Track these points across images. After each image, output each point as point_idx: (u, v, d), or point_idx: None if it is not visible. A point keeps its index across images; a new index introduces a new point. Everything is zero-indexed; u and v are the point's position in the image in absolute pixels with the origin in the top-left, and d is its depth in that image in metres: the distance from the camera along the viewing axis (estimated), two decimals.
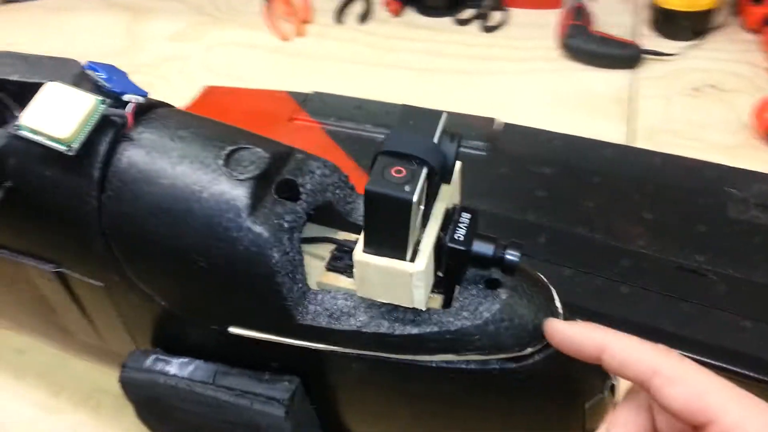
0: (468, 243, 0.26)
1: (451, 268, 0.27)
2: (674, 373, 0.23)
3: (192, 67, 0.83)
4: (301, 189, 0.28)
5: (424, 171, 0.24)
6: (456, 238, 0.26)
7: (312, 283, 0.29)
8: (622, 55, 0.73)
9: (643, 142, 0.64)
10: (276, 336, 0.28)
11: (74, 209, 0.27)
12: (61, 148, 0.26)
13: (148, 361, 0.30)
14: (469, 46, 0.81)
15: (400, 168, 0.23)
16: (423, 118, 0.26)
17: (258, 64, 0.82)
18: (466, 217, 0.27)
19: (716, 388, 0.23)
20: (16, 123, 0.26)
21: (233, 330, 0.28)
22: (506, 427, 0.29)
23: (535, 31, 0.82)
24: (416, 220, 0.24)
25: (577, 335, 0.26)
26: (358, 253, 0.25)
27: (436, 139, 0.25)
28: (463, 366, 0.27)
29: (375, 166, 0.24)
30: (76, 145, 0.26)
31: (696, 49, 0.76)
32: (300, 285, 0.27)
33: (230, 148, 0.28)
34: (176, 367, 0.30)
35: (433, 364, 0.27)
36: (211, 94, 0.71)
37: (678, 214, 0.52)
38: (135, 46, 0.88)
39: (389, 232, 0.24)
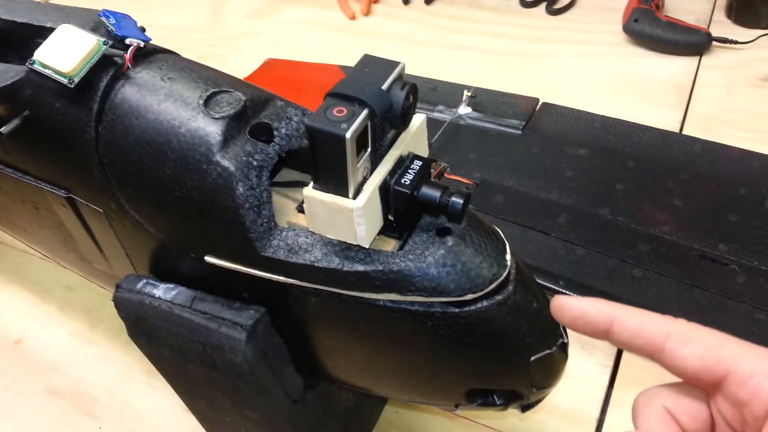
0: (414, 188, 0.27)
1: (401, 213, 0.28)
2: (686, 333, 0.23)
3: (263, 42, 0.87)
4: (275, 133, 0.30)
5: (364, 112, 0.25)
6: (402, 182, 0.27)
7: (283, 222, 0.31)
8: (688, 42, 0.70)
9: (695, 131, 0.61)
10: (242, 266, 0.30)
11: (77, 138, 0.31)
12: (64, 80, 0.29)
13: (139, 284, 0.33)
14: (533, 29, 0.81)
15: (342, 108, 0.25)
16: (379, 66, 0.27)
17: (323, 41, 0.85)
18: (417, 164, 0.28)
19: (727, 341, 0.23)
20: (31, 58, 0.30)
21: (208, 259, 0.31)
22: (453, 373, 0.30)
23: (602, 15, 0.80)
24: (356, 158, 0.25)
25: (586, 309, 0.25)
26: (308, 190, 0.27)
27: (385, 86, 0.26)
28: (408, 307, 0.28)
29: (321, 106, 0.25)
30: (76, 79, 0.29)
31: None
32: (265, 220, 0.30)
33: (212, 89, 0.30)
34: (162, 291, 0.33)
35: (381, 303, 0.28)
36: (269, 66, 0.75)
37: (710, 202, 0.50)
38: (217, 22, 0.94)
39: (331, 169, 0.25)
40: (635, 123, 0.59)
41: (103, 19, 0.32)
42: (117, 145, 0.30)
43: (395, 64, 0.27)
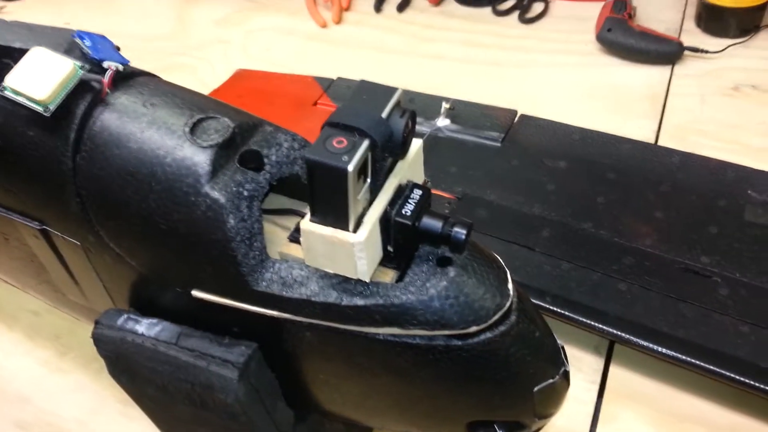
0: (415, 218, 0.26)
1: (400, 243, 0.27)
2: None
3: (232, 51, 0.85)
4: (265, 160, 0.29)
5: (365, 143, 0.24)
6: (403, 212, 0.26)
7: (274, 252, 0.30)
8: (660, 51, 0.71)
9: (670, 141, 0.62)
10: (232, 301, 0.29)
11: (52, 169, 0.29)
12: (39, 108, 0.27)
13: (120, 320, 0.32)
14: (506, 38, 0.81)
15: (341, 139, 0.24)
16: (376, 93, 0.26)
17: (294, 50, 0.84)
18: (417, 193, 0.27)
19: None
20: (2, 84, 0.28)
21: (195, 293, 0.30)
22: (455, 406, 0.29)
23: (575, 24, 0.80)
24: (357, 190, 0.24)
25: None
26: (305, 222, 0.25)
27: (384, 114, 0.25)
28: (409, 340, 0.27)
29: (319, 136, 0.24)
30: (52, 107, 0.28)
31: (742, 47, 0.72)
32: (257, 252, 0.28)
33: (198, 116, 0.29)
34: (145, 326, 0.31)
35: (381, 337, 0.27)
36: (241, 76, 0.73)
37: (690, 214, 0.51)
38: (183, 30, 0.92)
39: (331, 202, 0.24)
40: (613, 135, 0.59)
41: (78, 40, 0.30)
42: (97, 176, 0.29)
43: (393, 90, 0.26)
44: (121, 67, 0.29)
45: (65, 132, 0.29)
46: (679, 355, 0.42)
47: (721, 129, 0.63)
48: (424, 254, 0.28)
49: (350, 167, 0.23)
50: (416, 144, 0.28)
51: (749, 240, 0.48)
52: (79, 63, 0.28)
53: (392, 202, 0.26)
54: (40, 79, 0.28)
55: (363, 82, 0.27)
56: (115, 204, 0.29)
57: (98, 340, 0.32)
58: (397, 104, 0.26)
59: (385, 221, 0.26)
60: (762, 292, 0.45)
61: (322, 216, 0.25)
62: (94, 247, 0.31)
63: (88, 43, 0.30)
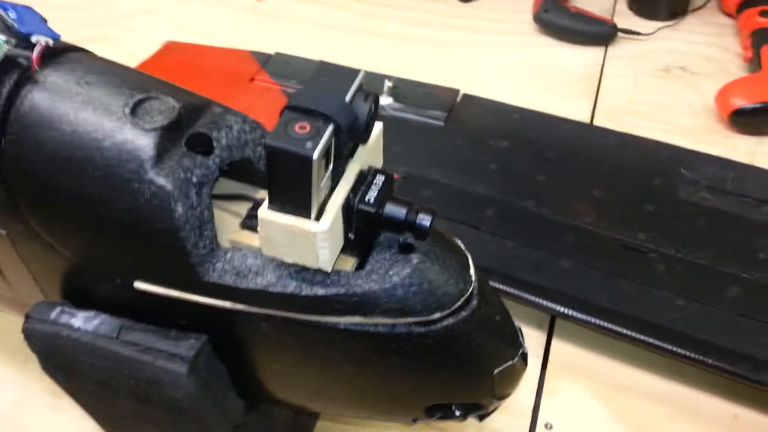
0: (378, 205, 0.25)
1: (362, 231, 0.26)
2: None
3: (160, 22, 0.81)
4: (215, 143, 0.27)
5: (330, 128, 0.23)
6: (366, 200, 0.25)
7: (225, 240, 0.28)
8: (594, 32, 0.72)
9: (604, 121, 0.63)
10: (181, 293, 0.27)
11: None
12: None
13: (53, 313, 0.29)
14: (445, 16, 0.80)
15: (304, 124, 0.23)
16: (338, 75, 0.25)
17: (227, 23, 0.80)
18: (380, 179, 0.26)
19: None
20: None
21: (138, 285, 0.28)
22: (415, 391, 0.29)
23: (513, 5, 0.80)
24: (320, 178, 0.23)
25: None
26: (263, 211, 0.24)
27: (348, 98, 0.24)
28: (371, 329, 0.26)
29: (279, 121, 0.23)
30: None
31: (671, 30, 0.75)
32: (208, 241, 0.27)
33: (139, 96, 0.27)
34: (81, 320, 0.29)
35: (341, 326, 0.27)
36: (171, 49, 0.69)
37: (627, 193, 0.52)
38: None
39: (292, 190, 0.23)
40: (552, 115, 0.60)
41: (1, 11, 0.27)
42: (26, 160, 0.26)
43: (356, 72, 0.25)
44: (51, 42, 0.27)
45: None
46: (619, 329, 0.43)
47: (654, 109, 0.65)
48: (386, 241, 0.27)
49: (315, 154, 0.22)
50: (377, 128, 0.27)
51: (683, 217, 0.50)
52: (3, 37, 0.25)
53: (354, 189, 0.25)
54: None
55: (323, 63, 0.25)
56: (47, 191, 0.26)
57: (29, 336, 0.29)
58: (360, 87, 0.25)
59: (347, 209, 0.25)
60: (695, 267, 0.47)
61: (281, 204, 0.24)
62: (22, 236, 0.29)
63: (12, 15, 0.27)
